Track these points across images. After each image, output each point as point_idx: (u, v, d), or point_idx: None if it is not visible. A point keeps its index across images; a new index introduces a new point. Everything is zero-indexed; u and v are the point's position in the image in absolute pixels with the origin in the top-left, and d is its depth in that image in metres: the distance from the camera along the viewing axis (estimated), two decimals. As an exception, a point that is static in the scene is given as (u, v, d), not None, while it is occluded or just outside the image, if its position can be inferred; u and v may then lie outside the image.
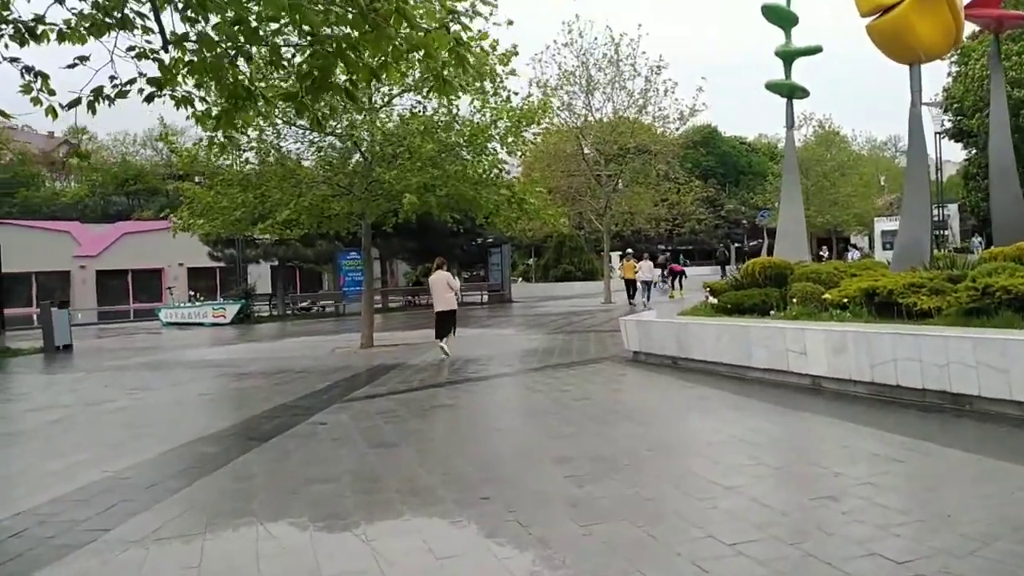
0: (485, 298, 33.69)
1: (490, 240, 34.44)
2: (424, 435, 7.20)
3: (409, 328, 21.58)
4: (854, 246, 48.62)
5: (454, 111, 13.86)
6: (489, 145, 13.95)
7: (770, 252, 36.90)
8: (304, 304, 31.16)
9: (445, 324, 13.38)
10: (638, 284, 26.89)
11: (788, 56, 14.13)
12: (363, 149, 13.65)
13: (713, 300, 12.57)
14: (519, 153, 15.00)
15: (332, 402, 9.33)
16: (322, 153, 14.28)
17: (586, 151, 27.64)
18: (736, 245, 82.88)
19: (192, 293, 31.41)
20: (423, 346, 15.73)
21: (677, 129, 26.60)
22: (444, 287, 13.41)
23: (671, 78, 25.51)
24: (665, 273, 31.76)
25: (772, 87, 14.32)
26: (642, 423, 7.31)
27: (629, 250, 31.32)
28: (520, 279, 47.79)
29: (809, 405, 7.97)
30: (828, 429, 6.91)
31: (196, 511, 5.07)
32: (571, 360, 12.42)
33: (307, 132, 14.49)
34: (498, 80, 14.43)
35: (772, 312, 11.04)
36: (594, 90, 25.88)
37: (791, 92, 14.35)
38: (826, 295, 10.35)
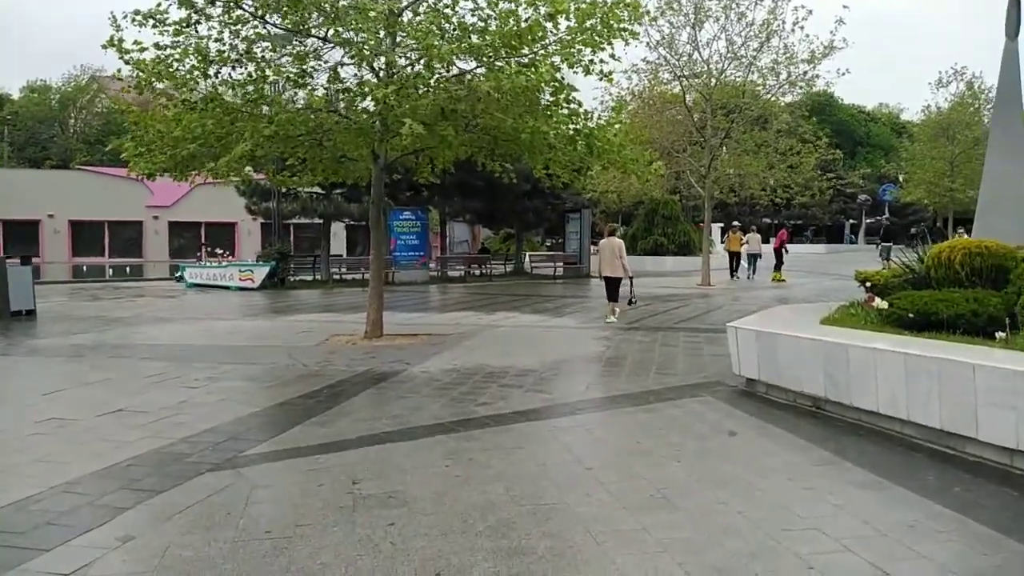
0: (559, 271, 27.98)
1: (567, 204, 29.58)
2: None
3: (454, 307, 17.48)
4: None
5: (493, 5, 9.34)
6: (543, 56, 9.35)
7: (886, 234, 30.41)
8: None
9: (612, 289, 13.83)
10: (743, 257, 25.43)
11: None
12: (354, 55, 9.24)
13: (880, 303, 7.89)
14: (597, 75, 10.16)
15: (212, 464, 5.31)
16: (304, 64, 9.90)
17: (688, 99, 22.56)
18: (851, 222, 74.95)
19: (220, 251, 28.06)
20: (450, 339, 11.62)
21: (805, 73, 20.97)
22: (613, 254, 13.63)
23: (803, 5, 19.97)
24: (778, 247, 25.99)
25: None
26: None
27: (736, 222, 27.26)
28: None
29: None
30: None
31: None
32: (647, 387, 7.97)
33: (294, 38, 10.43)
34: None
35: (1002, 335, 6.32)
36: (703, 20, 20.67)
37: (1022, -22, 9.11)
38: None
